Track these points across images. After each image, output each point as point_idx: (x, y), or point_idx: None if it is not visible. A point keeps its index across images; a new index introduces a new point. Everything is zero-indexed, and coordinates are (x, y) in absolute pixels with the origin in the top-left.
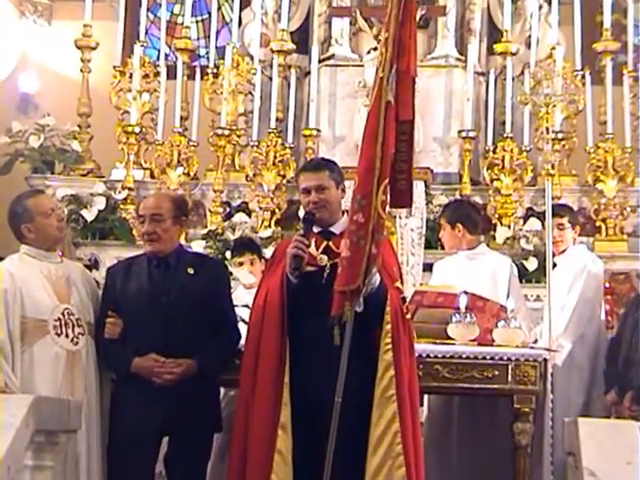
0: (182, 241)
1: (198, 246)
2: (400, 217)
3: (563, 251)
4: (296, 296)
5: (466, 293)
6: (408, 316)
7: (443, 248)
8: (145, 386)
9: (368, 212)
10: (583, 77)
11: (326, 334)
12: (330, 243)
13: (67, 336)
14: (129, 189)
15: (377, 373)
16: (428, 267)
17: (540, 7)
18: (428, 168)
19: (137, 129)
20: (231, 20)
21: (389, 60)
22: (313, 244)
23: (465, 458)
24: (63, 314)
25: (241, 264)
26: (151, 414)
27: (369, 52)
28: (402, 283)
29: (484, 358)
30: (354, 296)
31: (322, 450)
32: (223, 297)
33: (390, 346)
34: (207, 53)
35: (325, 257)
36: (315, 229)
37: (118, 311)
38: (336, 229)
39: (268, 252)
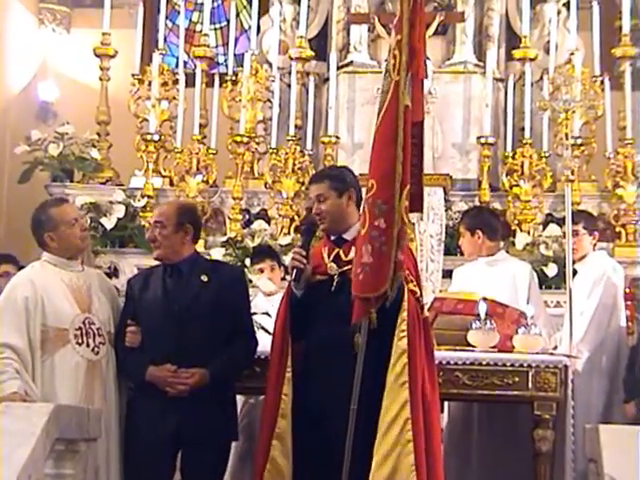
0: (202, 249)
1: (218, 254)
2: (418, 223)
3: (582, 257)
4: (304, 306)
5: (485, 300)
6: (426, 314)
7: (462, 254)
8: (160, 395)
9: (390, 217)
10: (602, 82)
11: (336, 342)
12: (341, 251)
13: (88, 345)
14: (148, 197)
15: (390, 359)
16: (447, 273)
17: (559, 12)
18: (447, 174)
19: (156, 137)
20: (249, 27)
21: (405, 63)
22: (326, 252)
23: (486, 465)
24: (84, 323)
25: (261, 271)
26: (166, 423)
27: (387, 59)
28: (420, 287)
29: (504, 365)
30: (379, 302)
31: (329, 455)
32: (239, 304)
33: (405, 333)
34: (226, 60)
35: (335, 266)
36: (332, 237)
37: (137, 320)
38: (348, 236)
39: (287, 259)
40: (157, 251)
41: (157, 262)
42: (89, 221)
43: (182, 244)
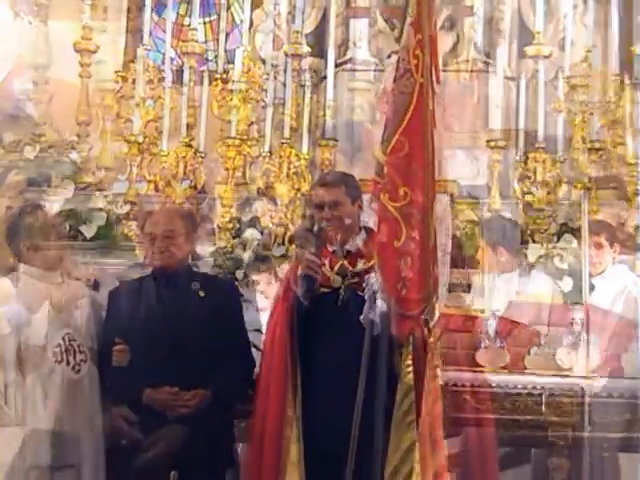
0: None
1: (206, 265)
2: None
3: (602, 271)
4: (308, 320)
5: (495, 316)
6: (431, 340)
7: (471, 267)
8: (156, 417)
9: (423, 228)
10: (622, 82)
11: (341, 359)
12: (345, 262)
13: (68, 363)
14: (132, 203)
15: (396, 397)
16: (453, 288)
17: (575, 7)
18: (454, 180)
19: (140, 139)
20: (241, 21)
21: (428, 65)
22: (327, 264)
23: None
24: (64, 339)
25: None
26: (162, 447)
27: (389, 56)
28: None
29: (516, 387)
30: (420, 319)
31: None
32: (235, 320)
33: (411, 368)
34: (216, 57)
35: (339, 278)
36: (330, 247)
37: (124, 336)
38: (352, 247)
39: (281, 271)
40: (166, 260)
41: (139, 273)
42: (67, 228)
43: (188, 253)
